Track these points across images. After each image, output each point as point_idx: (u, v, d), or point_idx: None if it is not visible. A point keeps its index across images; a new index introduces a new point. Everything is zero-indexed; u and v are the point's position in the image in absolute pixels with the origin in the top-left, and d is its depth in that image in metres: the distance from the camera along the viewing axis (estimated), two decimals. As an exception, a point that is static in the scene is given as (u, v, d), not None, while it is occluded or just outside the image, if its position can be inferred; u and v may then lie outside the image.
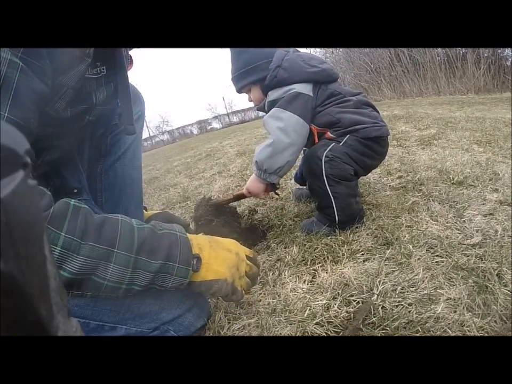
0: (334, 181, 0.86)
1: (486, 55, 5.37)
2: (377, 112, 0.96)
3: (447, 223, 0.84)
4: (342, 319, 0.58)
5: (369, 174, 1.39)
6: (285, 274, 0.76)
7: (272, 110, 0.88)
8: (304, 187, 1.23)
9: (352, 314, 0.59)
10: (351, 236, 0.86)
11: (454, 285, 0.61)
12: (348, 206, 0.87)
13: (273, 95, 0.91)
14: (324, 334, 0.56)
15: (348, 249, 0.80)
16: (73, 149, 0.71)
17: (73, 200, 0.46)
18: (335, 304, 0.62)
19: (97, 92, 0.62)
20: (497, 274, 0.61)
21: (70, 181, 0.68)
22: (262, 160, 0.86)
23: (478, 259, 0.67)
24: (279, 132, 0.85)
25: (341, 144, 0.88)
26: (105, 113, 0.74)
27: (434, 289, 0.61)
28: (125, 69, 0.65)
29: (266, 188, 0.94)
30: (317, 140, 0.93)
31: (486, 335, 0.50)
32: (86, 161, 0.78)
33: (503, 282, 0.59)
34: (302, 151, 1.08)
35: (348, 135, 0.88)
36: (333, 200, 0.86)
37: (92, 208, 0.61)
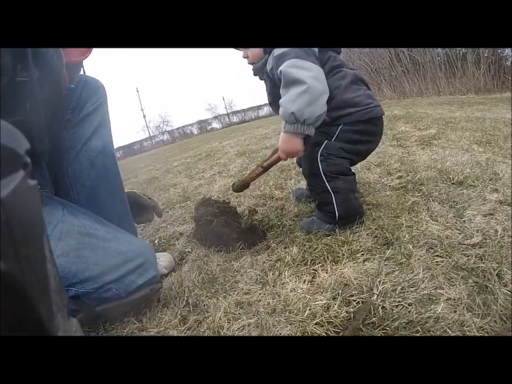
0: (332, 177, 0.87)
1: (486, 55, 5.37)
2: (370, 90, 0.96)
3: (447, 223, 0.84)
4: (342, 319, 0.58)
5: (369, 174, 1.39)
6: (285, 274, 0.76)
7: (291, 61, 0.80)
8: None
9: (352, 314, 0.59)
10: (351, 236, 0.86)
11: (454, 285, 0.61)
12: (347, 201, 0.88)
13: (280, 49, 0.83)
14: (324, 334, 0.56)
15: (348, 249, 0.80)
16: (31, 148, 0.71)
17: None
18: (335, 304, 0.62)
19: (32, 95, 0.62)
20: (497, 274, 0.61)
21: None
22: (301, 109, 0.77)
23: (478, 259, 0.67)
24: (311, 79, 0.78)
25: (333, 139, 0.89)
26: (58, 111, 0.75)
27: (434, 289, 0.61)
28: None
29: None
30: None
31: (486, 335, 0.50)
32: (47, 159, 0.78)
33: (503, 282, 0.59)
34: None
35: (340, 126, 0.88)
36: (332, 195, 0.87)
37: (50, 195, 0.70)
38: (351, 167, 0.94)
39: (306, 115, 0.78)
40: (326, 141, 0.89)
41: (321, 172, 0.87)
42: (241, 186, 1.00)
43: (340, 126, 0.89)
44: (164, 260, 0.94)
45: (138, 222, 1.00)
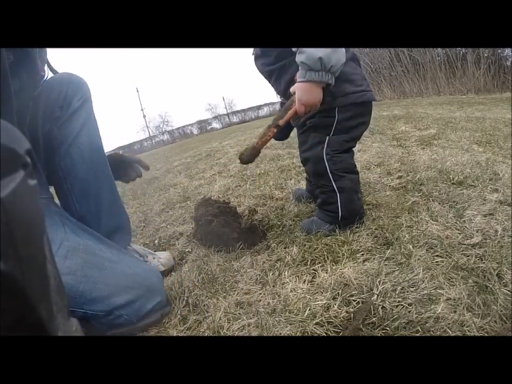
0: (339, 176, 0.87)
1: (486, 55, 5.37)
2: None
3: (447, 223, 0.84)
4: (342, 319, 0.58)
5: (369, 174, 1.39)
6: (285, 274, 0.76)
7: None
8: (284, 140, 1.12)
9: (352, 314, 0.59)
10: (351, 236, 0.86)
11: (454, 285, 0.61)
12: (351, 202, 0.88)
13: None
14: (324, 334, 0.56)
15: (348, 249, 0.80)
16: None
17: None
18: (335, 304, 0.62)
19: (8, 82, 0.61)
20: (497, 274, 0.61)
21: None
22: (329, 55, 0.72)
23: (478, 259, 0.67)
24: None
25: (331, 134, 0.87)
26: (47, 110, 0.77)
27: (434, 289, 0.61)
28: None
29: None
30: None
31: (486, 335, 0.50)
32: (42, 160, 0.80)
33: (503, 282, 0.59)
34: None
35: (336, 118, 0.86)
36: (338, 194, 0.87)
37: (48, 205, 0.70)
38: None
39: (333, 61, 0.74)
40: (327, 138, 0.88)
41: (328, 171, 0.87)
42: (252, 155, 0.87)
43: (336, 118, 0.87)
44: (162, 257, 0.95)
45: (129, 180, 1.02)
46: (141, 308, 0.69)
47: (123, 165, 0.99)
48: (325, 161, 0.87)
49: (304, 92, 0.78)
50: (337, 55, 0.75)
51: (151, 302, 0.70)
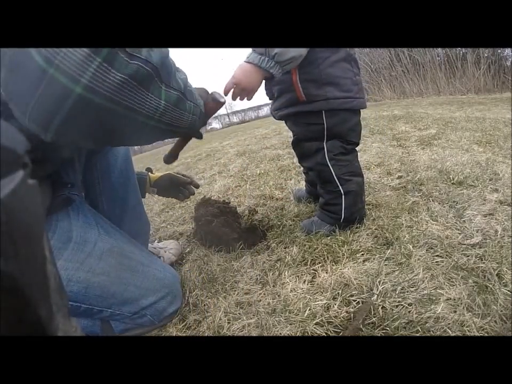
0: (345, 180, 0.86)
1: (486, 55, 5.37)
2: (360, 76, 0.87)
3: (447, 223, 0.84)
4: (342, 319, 0.58)
5: (369, 174, 1.39)
6: (285, 274, 0.76)
7: None
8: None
9: (352, 314, 0.59)
10: (351, 236, 0.86)
11: (454, 285, 0.61)
12: (355, 205, 0.88)
13: None
14: (324, 334, 0.56)
15: (348, 249, 0.80)
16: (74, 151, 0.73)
17: None
18: (335, 304, 0.62)
19: None
20: (497, 274, 0.61)
21: (65, 177, 0.72)
22: None
23: (478, 259, 0.67)
24: None
25: (325, 140, 0.84)
26: None
27: (434, 289, 0.61)
28: None
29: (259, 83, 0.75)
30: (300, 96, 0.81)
31: (486, 335, 0.50)
32: (84, 157, 0.82)
33: (503, 282, 0.59)
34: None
35: (326, 126, 0.82)
36: (343, 197, 0.86)
37: (81, 203, 0.70)
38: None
39: (277, 49, 0.67)
40: (324, 143, 0.85)
41: (335, 177, 0.85)
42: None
43: (325, 125, 0.82)
44: (171, 247, 0.99)
45: (183, 198, 1.08)
46: (163, 311, 0.70)
47: (177, 184, 1.05)
48: (330, 167, 0.85)
49: (241, 71, 0.72)
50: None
51: (172, 307, 0.72)
